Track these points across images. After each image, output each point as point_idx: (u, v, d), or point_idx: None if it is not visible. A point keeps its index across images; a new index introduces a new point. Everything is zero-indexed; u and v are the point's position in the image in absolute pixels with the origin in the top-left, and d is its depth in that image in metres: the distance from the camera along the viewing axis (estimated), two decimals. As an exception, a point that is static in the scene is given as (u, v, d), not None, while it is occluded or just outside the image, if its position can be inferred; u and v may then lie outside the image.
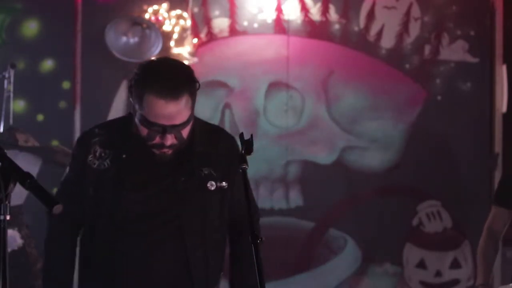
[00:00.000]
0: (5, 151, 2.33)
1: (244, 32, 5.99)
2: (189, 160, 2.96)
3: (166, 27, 5.82)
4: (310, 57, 6.07)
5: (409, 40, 6.17)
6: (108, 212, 2.93)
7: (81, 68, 5.72)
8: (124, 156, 2.93)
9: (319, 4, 6.04)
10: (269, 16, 5.99)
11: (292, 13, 6.01)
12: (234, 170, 2.99)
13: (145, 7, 5.81)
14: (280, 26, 6.01)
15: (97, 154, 2.95)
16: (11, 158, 2.33)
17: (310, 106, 6.07)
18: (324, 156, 6.08)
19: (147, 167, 2.94)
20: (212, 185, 2.97)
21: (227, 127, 5.89)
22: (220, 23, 5.95)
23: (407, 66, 6.19)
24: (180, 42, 5.85)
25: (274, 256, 5.67)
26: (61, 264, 3.02)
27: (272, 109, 6.02)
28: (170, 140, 2.86)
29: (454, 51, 6.21)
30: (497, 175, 6.03)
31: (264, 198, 5.98)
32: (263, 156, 5.90)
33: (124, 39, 5.69)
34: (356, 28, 6.11)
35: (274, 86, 6.03)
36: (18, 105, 5.62)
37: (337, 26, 6.10)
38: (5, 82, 5.34)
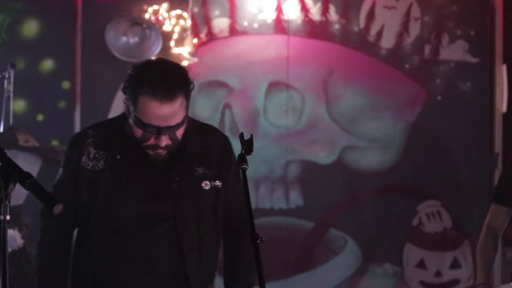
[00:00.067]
0: (5, 151, 2.34)
1: (244, 32, 5.99)
2: (183, 160, 2.96)
3: (166, 27, 5.82)
4: (310, 57, 6.07)
5: (409, 40, 6.17)
6: (102, 213, 2.92)
7: (81, 68, 5.72)
8: (118, 157, 2.93)
9: (319, 4, 6.04)
10: (269, 16, 5.99)
11: (292, 13, 6.01)
12: (228, 169, 3.03)
13: (145, 7, 5.81)
14: (280, 26, 6.01)
15: (91, 155, 2.95)
16: (11, 158, 2.33)
17: (310, 106, 6.07)
18: (324, 156, 6.08)
19: (141, 167, 2.94)
20: (206, 185, 2.98)
21: (227, 127, 5.89)
22: (220, 23, 5.95)
23: (407, 66, 6.19)
24: (180, 42, 5.85)
25: (274, 256, 5.67)
26: (55, 265, 3.01)
27: (272, 109, 6.02)
28: (164, 141, 2.86)
29: (454, 51, 6.21)
30: (497, 175, 6.02)
31: (264, 198, 5.98)
32: (263, 156, 5.90)
33: (124, 39, 5.69)
34: (356, 28, 6.11)
35: (274, 86, 6.03)
36: (18, 105, 5.62)
37: (337, 26, 6.10)
38: (5, 82, 5.34)
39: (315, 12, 6.04)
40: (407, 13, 6.15)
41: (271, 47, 6.02)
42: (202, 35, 5.93)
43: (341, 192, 6.12)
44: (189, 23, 5.85)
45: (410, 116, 6.18)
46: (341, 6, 6.06)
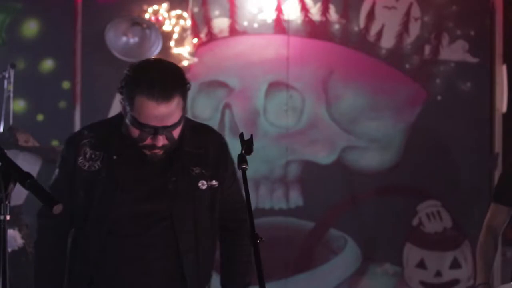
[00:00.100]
0: (5, 151, 2.34)
1: (244, 32, 5.99)
2: (180, 160, 2.96)
3: (166, 27, 5.82)
4: (310, 57, 6.07)
5: (409, 40, 6.17)
6: (99, 214, 2.92)
7: (81, 68, 5.73)
8: (115, 157, 2.93)
9: (319, 4, 6.04)
10: (269, 16, 5.99)
11: (292, 13, 6.01)
12: (224, 169, 3.04)
13: (145, 7, 5.81)
14: (280, 26, 6.01)
15: (87, 156, 2.94)
16: (11, 158, 2.33)
17: (310, 106, 6.07)
18: (324, 156, 6.08)
19: (138, 167, 2.94)
20: (203, 184, 2.98)
21: (227, 127, 5.89)
22: (220, 23, 5.95)
23: (407, 66, 6.19)
24: (180, 42, 5.85)
25: (274, 256, 5.67)
26: (52, 266, 3.01)
27: (272, 109, 6.02)
28: (161, 141, 2.86)
29: (454, 51, 6.21)
30: (497, 175, 6.02)
31: (264, 198, 5.98)
32: (263, 156, 5.90)
33: (124, 39, 5.69)
34: (356, 28, 6.11)
35: (274, 86, 6.03)
36: (18, 105, 5.62)
37: (337, 26, 6.10)
38: (5, 82, 5.34)
39: (315, 12, 6.04)
40: (407, 13, 6.15)
41: (271, 47, 6.02)
42: (202, 35, 5.93)
43: (341, 192, 6.12)
44: (189, 23, 5.86)
45: (410, 116, 6.18)
46: (341, 6, 6.06)
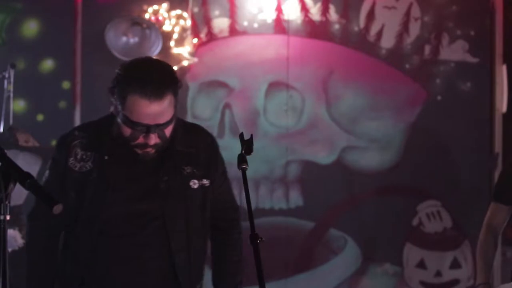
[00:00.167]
0: (5, 151, 2.34)
1: (244, 32, 5.99)
2: (171, 159, 2.96)
3: (166, 27, 5.82)
4: (310, 57, 6.07)
5: (409, 40, 6.17)
6: (90, 214, 2.92)
7: (81, 68, 5.73)
8: (106, 157, 2.93)
9: (319, 4, 6.04)
10: (269, 16, 5.99)
11: (292, 13, 6.01)
12: (215, 169, 3.05)
13: (145, 7, 5.82)
14: (280, 26, 6.01)
15: (78, 156, 2.94)
16: (11, 158, 2.33)
17: (310, 106, 6.07)
18: (324, 156, 6.08)
19: (130, 166, 2.94)
20: (194, 183, 2.99)
21: (227, 127, 5.89)
22: (220, 23, 5.95)
23: (407, 66, 6.19)
24: (180, 42, 5.85)
25: (274, 256, 5.67)
26: (44, 269, 3.00)
27: (272, 109, 6.02)
28: (153, 139, 2.86)
29: (454, 51, 6.21)
30: (497, 175, 6.02)
31: (264, 198, 5.98)
32: (263, 156, 5.90)
33: (124, 39, 5.69)
34: (356, 28, 6.11)
35: (274, 86, 6.03)
36: (18, 105, 5.62)
37: (337, 26, 6.10)
38: (5, 82, 5.34)
39: (315, 12, 6.04)
40: (407, 13, 6.15)
41: (271, 47, 6.02)
42: (202, 35, 5.93)
43: (341, 192, 6.12)
44: (189, 23, 5.86)
45: (410, 116, 6.18)
46: (341, 6, 6.06)
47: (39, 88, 5.68)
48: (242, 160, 2.78)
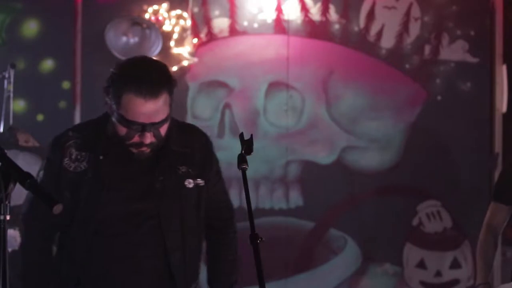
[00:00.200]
0: (5, 151, 2.34)
1: (244, 32, 5.99)
2: (167, 159, 2.97)
3: (166, 27, 5.82)
4: (310, 57, 6.07)
5: (409, 40, 6.17)
6: (85, 214, 2.92)
7: (81, 68, 5.72)
8: (101, 157, 2.93)
9: (319, 4, 6.04)
10: (269, 16, 5.99)
11: (292, 13, 6.01)
12: (209, 169, 3.06)
13: (145, 7, 5.81)
14: (280, 26, 6.01)
15: (73, 157, 2.94)
16: (11, 158, 2.33)
17: (310, 106, 6.07)
18: (324, 156, 6.08)
19: (125, 166, 2.95)
20: (189, 183, 2.99)
21: (227, 127, 5.89)
22: (220, 23, 5.95)
23: (407, 66, 6.19)
24: (180, 42, 5.85)
25: (274, 256, 5.67)
26: (39, 270, 3.00)
27: (272, 109, 6.02)
28: (149, 138, 2.86)
29: (454, 51, 6.21)
30: (497, 175, 6.02)
31: (264, 198, 5.98)
32: (263, 156, 5.90)
33: (124, 39, 5.69)
34: (356, 28, 6.11)
35: (274, 86, 6.03)
36: (18, 105, 5.62)
37: (337, 26, 6.10)
38: (5, 82, 5.34)
39: (315, 12, 6.04)
40: (407, 13, 6.15)
41: (271, 47, 6.02)
42: (202, 35, 5.93)
43: (341, 192, 6.12)
44: (189, 23, 5.86)
45: (410, 116, 6.18)
46: (341, 6, 6.06)
47: (39, 88, 5.68)
48: (242, 160, 2.79)
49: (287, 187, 6.04)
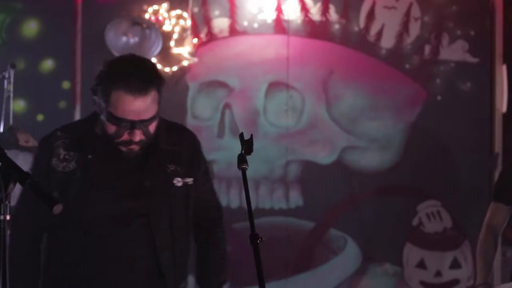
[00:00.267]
0: (5, 151, 2.34)
1: (244, 32, 5.99)
2: (155, 157, 2.98)
3: (166, 27, 5.82)
4: (310, 57, 6.07)
5: (409, 40, 6.17)
6: (75, 214, 2.91)
7: (81, 68, 5.72)
8: (90, 156, 2.93)
9: (319, 4, 6.04)
10: (269, 16, 5.99)
11: (292, 13, 6.01)
12: (197, 168, 3.08)
13: (145, 7, 5.81)
14: (280, 26, 6.01)
15: (61, 156, 2.94)
16: (11, 158, 2.33)
17: (310, 106, 6.07)
18: (324, 156, 6.08)
19: (113, 165, 2.95)
20: (178, 181, 3.01)
21: (227, 127, 5.89)
22: (220, 23, 5.95)
23: (407, 66, 6.18)
24: (180, 42, 5.85)
25: (274, 256, 5.67)
26: (25, 271, 2.98)
27: (272, 109, 6.02)
28: (138, 136, 2.87)
29: (454, 51, 6.21)
30: (497, 175, 6.02)
31: (264, 198, 5.98)
32: (263, 156, 5.90)
33: (124, 39, 5.69)
34: (356, 28, 6.11)
35: (274, 86, 6.03)
36: (18, 105, 5.62)
37: (337, 26, 6.10)
38: (5, 82, 5.34)
39: (315, 12, 6.04)
40: (407, 13, 6.15)
41: (271, 47, 6.02)
42: (202, 35, 5.93)
43: (341, 192, 6.12)
44: (189, 23, 5.86)
45: (410, 116, 6.18)
46: (341, 6, 6.06)
47: (39, 88, 5.68)
48: (242, 160, 2.79)
49: (287, 187, 6.04)
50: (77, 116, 5.67)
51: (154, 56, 5.72)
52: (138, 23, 5.73)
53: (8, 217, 2.28)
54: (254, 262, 2.64)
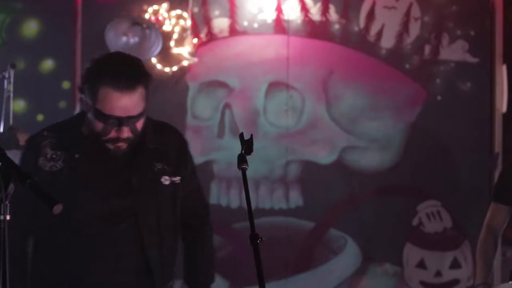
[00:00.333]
0: (5, 151, 2.34)
1: (244, 32, 5.99)
2: (143, 155, 2.99)
3: (166, 27, 5.82)
4: (310, 57, 6.07)
5: (409, 40, 6.17)
6: (63, 214, 2.90)
7: (81, 68, 5.72)
8: (77, 156, 2.93)
9: (319, 4, 6.04)
10: (269, 16, 5.99)
11: (292, 13, 6.01)
12: (184, 168, 3.09)
13: (145, 7, 5.81)
14: (280, 26, 6.00)
15: (48, 156, 2.94)
16: (11, 158, 2.33)
17: (310, 106, 6.07)
18: (324, 156, 6.08)
19: (101, 163, 2.95)
20: (166, 180, 3.02)
21: (227, 127, 5.89)
22: (220, 23, 5.95)
23: (407, 66, 6.18)
24: (180, 42, 5.85)
25: (274, 256, 5.67)
26: (19, 281, 2.95)
27: (272, 109, 6.02)
28: (126, 133, 2.88)
29: (454, 51, 6.21)
30: (497, 175, 6.01)
31: (264, 198, 5.98)
32: (263, 156, 5.90)
33: (124, 39, 5.69)
34: (356, 28, 6.11)
35: (274, 86, 6.03)
36: (18, 105, 5.62)
37: (337, 26, 6.10)
38: (5, 82, 5.34)
39: (315, 12, 6.04)
40: (407, 13, 6.15)
41: (271, 47, 6.02)
42: (202, 35, 5.93)
43: (341, 192, 6.12)
44: (189, 23, 5.85)
45: (410, 116, 6.18)
46: (341, 6, 6.06)
47: (39, 88, 5.68)
48: (242, 160, 2.78)
49: (287, 187, 6.04)
50: (77, 116, 5.67)
51: (154, 56, 5.72)
52: (138, 23, 5.73)
53: (8, 217, 2.28)
54: (254, 262, 2.64)
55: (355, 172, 6.10)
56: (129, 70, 2.87)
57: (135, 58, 2.98)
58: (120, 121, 2.85)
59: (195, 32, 5.89)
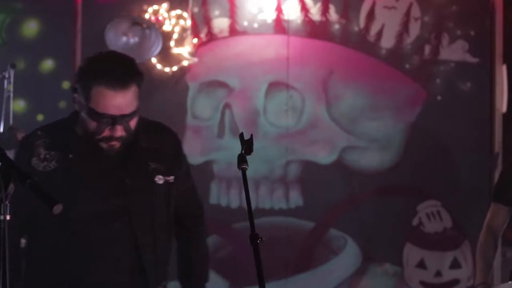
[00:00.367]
0: (5, 151, 2.34)
1: (244, 32, 5.99)
2: (136, 154, 2.99)
3: (166, 27, 5.82)
4: (310, 57, 6.07)
5: (409, 40, 6.17)
6: (56, 215, 2.89)
7: (81, 68, 5.72)
8: (71, 156, 2.93)
9: (319, 4, 6.04)
10: (269, 16, 5.99)
11: (292, 13, 6.01)
12: (178, 168, 3.09)
13: (145, 7, 5.81)
14: (280, 26, 6.00)
15: (42, 156, 2.94)
16: (11, 158, 2.33)
17: (310, 106, 6.07)
18: (324, 156, 6.08)
19: (95, 163, 2.95)
20: (160, 179, 3.02)
21: (227, 127, 5.89)
22: (220, 23, 5.95)
23: (407, 66, 6.18)
24: (180, 42, 5.85)
25: (274, 256, 5.67)
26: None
27: (272, 109, 6.02)
28: (119, 131, 2.88)
29: (454, 51, 6.21)
30: (497, 175, 6.02)
31: (264, 198, 5.98)
32: (263, 156, 5.90)
33: (124, 39, 5.69)
34: (356, 28, 6.11)
35: (274, 86, 6.03)
36: (18, 105, 5.62)
37: (337, 26, 6.10)
38: (5, 82, 5.34)
39: (315, 12, 6.04)
40: (407, 13, 6.15)
41: (271, 47, 6.02)
42: (202, 35, 5.93)
43: (341, 192, 6.12)
44: (189, 23, 5.85)
45: (410, 116, 6.18)
46: (341, 6, 6.06)
47: (39, 88, 5.68)
48: (242, 160, 2.78)
49: (287, 187, 6.04)
50: (77, 116, 5.67)
51: (154, 56, 5.72)
52: (138, 23, 5.73)
53: (8, 217, 2.28)
54: (254, 262, 2.64)
55: (355, 172, 6.10)
56: (122, 69, 2.88)
57: (128, 57, 2.99)
58: (114, 120, 2.85)
59: (195, 32, 5.89)
